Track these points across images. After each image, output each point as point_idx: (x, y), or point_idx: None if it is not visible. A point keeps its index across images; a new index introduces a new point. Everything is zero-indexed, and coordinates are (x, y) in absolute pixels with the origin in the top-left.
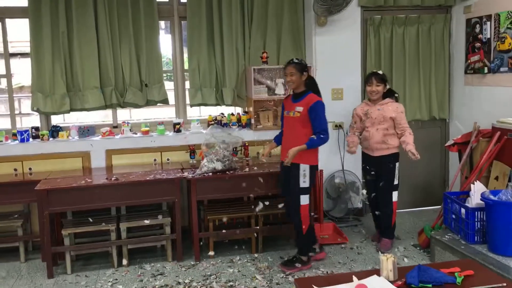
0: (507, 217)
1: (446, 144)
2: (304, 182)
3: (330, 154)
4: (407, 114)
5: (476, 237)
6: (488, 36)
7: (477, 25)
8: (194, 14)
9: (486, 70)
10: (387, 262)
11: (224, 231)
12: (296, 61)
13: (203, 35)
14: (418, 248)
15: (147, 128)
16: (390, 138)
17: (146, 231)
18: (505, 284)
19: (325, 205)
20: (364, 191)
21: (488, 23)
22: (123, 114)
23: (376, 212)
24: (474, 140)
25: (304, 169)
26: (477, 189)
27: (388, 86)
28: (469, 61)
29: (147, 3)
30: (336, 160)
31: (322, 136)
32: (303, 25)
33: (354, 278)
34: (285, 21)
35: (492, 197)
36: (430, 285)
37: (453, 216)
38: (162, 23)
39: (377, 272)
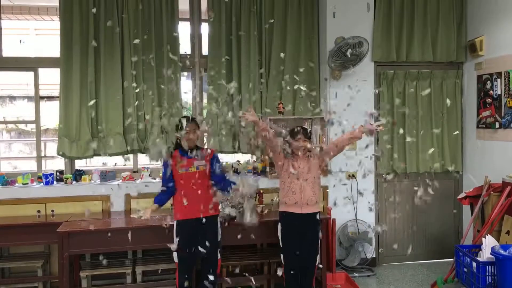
0: None
1: (458, 197)
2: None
3: (343, 204)
4: (420, 166)
5: None
6: (499, 93)
7: (488, 82)
8: (214, 66)
9: (497, 125)
10: None
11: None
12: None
13: (222, 85)
14: None
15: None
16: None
17: (162, 275)
18: None
19: (338, 254)
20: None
21: (499, 80)
22: (143, 158)
23: None
24: (485, 194)
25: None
26: (488, 243)
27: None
28: (480, 116)
29: (171, 55)
30: (349, 210)
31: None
32: (319, 77)
33: None
34: (301, 73)
35: (502, 251)
36: None
37: (465, 270)
38: (184, 73)
39: None
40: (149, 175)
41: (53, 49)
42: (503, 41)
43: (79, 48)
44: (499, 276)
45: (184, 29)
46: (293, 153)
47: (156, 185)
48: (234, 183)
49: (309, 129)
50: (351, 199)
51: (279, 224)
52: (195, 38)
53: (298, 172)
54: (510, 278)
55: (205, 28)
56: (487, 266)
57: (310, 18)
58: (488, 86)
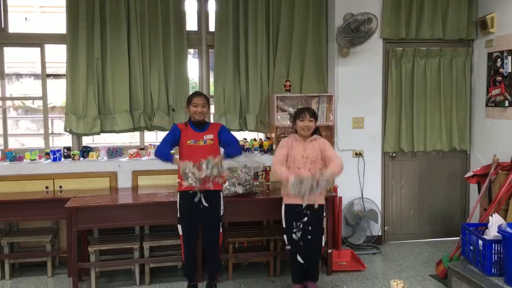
0: None
1: (466, 176)
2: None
3: (350, 182)
4: (428, 145)
5: (493, 269)
6: (509, 70)
7: (498, 59)
8: (221, 43)
9: (506, 103)
10: (397, 287)
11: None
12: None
13: (229, 63)
14: (435, 278)
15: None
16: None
17: (168, 251)
18: None
19: (344, 232)
20: None
21: (510, 57)
22: (150, 136)
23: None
24: (493, 173)
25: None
26: (495, 221)
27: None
28: (490, 94)
29: (178, 32)
30: (356, 188)
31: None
32: (326, 55)
33: None
34: (308, 51)
35: (509, 229)
36: None
37: (471, 248)
38: (190, 50)
39: None
40: None
41: (59, 26)
42: None
43: (85, 25)
44: (506, 254)
45: (191, 6)
46: (298, 133)
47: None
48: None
49: (314, 110)
50: (358, 177)
51: (283, 206)
52: (202, 15)
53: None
54: None
55: (212, 5)
56: (493, 244)
57: None
58: (499, 64)
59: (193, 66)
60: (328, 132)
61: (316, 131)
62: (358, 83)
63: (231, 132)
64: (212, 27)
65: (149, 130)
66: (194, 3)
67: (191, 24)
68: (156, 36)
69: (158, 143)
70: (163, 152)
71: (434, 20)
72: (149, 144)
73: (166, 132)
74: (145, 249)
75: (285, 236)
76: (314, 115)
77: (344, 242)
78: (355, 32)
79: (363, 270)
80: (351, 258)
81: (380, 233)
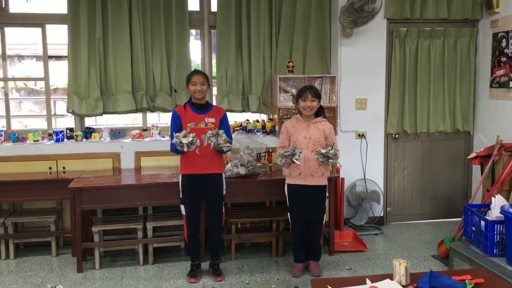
0: None
1: (469, 157)
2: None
3: (352, 163)
4: (431, 126)
5: (495, 250)
6: None
7: (504, 40)
8: (223, 23)
9: (511, 84)
10: (399, 267)
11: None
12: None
13: (232, 43)
14: (437, 259)
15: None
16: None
17: (171, 231)
18: None
19: (346, 213)
20: None
21: None
22: (152, 118)
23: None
24: (496, 154)
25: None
26: (498, 202)
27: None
28: (494, 75)
29: (179, 12)
30: (358, 169)
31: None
32: (329, 35)
33: (368, 280)
34: (311, 31)
35: (510, 210)
36: None
37: (473, 228)
38: (192, 31)
39: (390, 276)
40: (159, 133)
41: (60, 6)
42: None
43: (86, 5)
44: (508, 234)
45: None
46: (300, 113)
47: (164, 143)
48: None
49: (317, 89)
50: (360, 159)
51: (286, 184)
52: None
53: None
54: None
55: None
56: (495, 225)
57: None
58: (504, 44)
59: (195, 47)
60: (331, 114)
61: (321, 111)
62: (361, 64)
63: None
64: (214, 7)
65: (152, 111)
66: None
67: (193, 4)
68: (158, 17)
69: (160, 125)
70: (174, 146)
71: (439, 0)
72: (152, 125)
73: (169, 114)
74: (148, 229)
75: (288, 215)
76: (316, 95)
77: (346, 223)
78: (359, 12)
79: (365, 250)
80: (353, 239)
81: (382, 214)
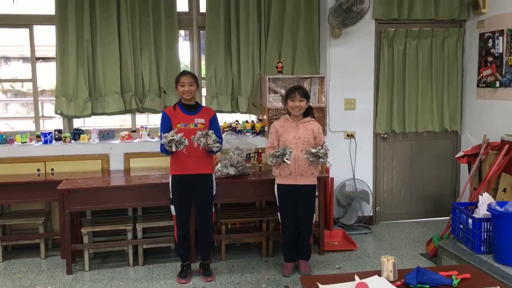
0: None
1: (456, 156)
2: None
3: (341, 163)
4: (419, 126)
5: (482, 247)
6: (500, 51)
7: (490, 40)
8: (213, 24)
9: (497, 84)
10: (387, 263)
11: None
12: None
13: (221, 44)
14: (426, 257)
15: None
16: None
17: (161, 232)
18: (498, 287)
19: (336, 212)
20: None
21: (501, 38)
22: (142, 119)
23: None
24: (483, 152)
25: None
26: (485, 200)
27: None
28: (481, 75)
29: (168, 13)
30: (347, 169)
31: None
32: (318, 36)
33: (356, 277)
34: (300, 32)
35: (498, 208)
36: (427, 286)
37: (461, 226)
38: (181, 31)
39: (378, 272)
40: (148, 134)
41: (48, 7)
42: None
43: (74, 6)
44: (495, 232)
45: None
46: (289, 114)
47: (154, 144)
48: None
49: (305, 89)
50: (349, 158)
51: (276, 185)
52: None
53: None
54: (505, 233)
55: None
56: (483, 223)
57: None
58: (490, 44)
59: (184, 48)
60: (320, 114)
61: (309, 111)
62: (350, 64)
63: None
64: (203, 8)
65: (141, 112)
66: None
67: (182, 5)
68: (147, 18)
69: (149, 126)
70: (163, 147)
71: (427, 0)
72: (141, 127)
73: (158, 115)
74: (138, 230)
75: (278, 214)
76: (305, 95)
77: (336, 223)
78: (347, 13)
79: (355, 249)
80: (343, 238)
81: (371, 214)
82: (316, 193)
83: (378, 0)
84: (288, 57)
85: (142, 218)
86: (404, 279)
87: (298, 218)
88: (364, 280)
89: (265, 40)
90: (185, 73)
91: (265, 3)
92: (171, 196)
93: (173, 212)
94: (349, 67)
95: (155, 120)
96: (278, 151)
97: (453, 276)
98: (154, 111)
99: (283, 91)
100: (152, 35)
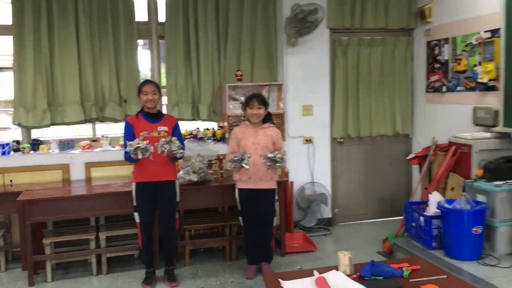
0: (460, 224)
1: (408, 158)
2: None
3: (300, 167)
4: (373, 130)
5: (433, 243)
6: (446, 58)
7: (436, 48)
8: (172, 34)
9: (444, 89)
10: (344, 258)
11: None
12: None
13: (180, 53)
14: (382, 255)
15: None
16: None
17: (125, 240)
18: (445, 276)
19: (296, 215)
20: None
21: (446, 45)
22: (102, 128)
23: None
24: (432, 154)
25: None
26: (435, 199)
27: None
28: (429, 80)
29: (127, 22)
30: (306, 173)
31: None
32: (276, 45)
33: (315, 272)
34: (258, 41)
35: (447, 205)
36: (381, 278)
37: (413, 224)
38: (141, 40)
39: (336, 267)
40: (109, 144)
41: (4, 17)
42: (450, 8)
43: (32, 16)
44: (444, 228)
45: None
46: (249, 121)
47: (115, 153)
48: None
49: (264, 96)
50: (308, 163)
51: (237, 189)
52: (151, 6)
53: (253, 145)
54: (453, 229)
55: None
56: (433, 220)
57: None
58: (436, 51)
59: (144, 57)
60: (279, 120)
61: (268, 117)
62: (306, 72)
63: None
64: (162, 18)
65: (101, 121)
66: None
67: (141, 14)
68: (105, 27)
69: (110, 135)
70: (128, 154)
71: (377, 10)
72: (102, 136)
73: (119, 124)
74: (101, 239)
75: (240, 218)
76: (263, 102)
77: (296, 226)
78: (303, 23)
79: (315, 250)
80: (303, 240)
81: (330, 216)
82: (276, 197)
83: (332, 10)
84: (247, 65)
85: (105, 227)
86: (359, 272)
87: (259, 222)
88: (322, 275)
89: (224, 49)
90: (148, 82)
91: (223, 13)
92: (134, 204)
93: (137, 220)
94: (306, 75)
95: (116, 129)
96: (237, 156)
97: (404, 268)
98: (115, 120)
99: (242, 99)
100: (111, 44)
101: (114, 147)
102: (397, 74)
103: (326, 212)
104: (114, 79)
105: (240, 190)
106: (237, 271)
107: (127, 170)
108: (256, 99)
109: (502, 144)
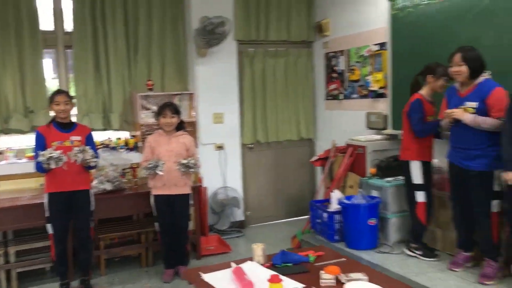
0: (357, 217)
1: (311, 160)
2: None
3: (213, 173)
4: (280, 135)
5: (336, 236)
6: (342, 68)
7: (333, 59)
8: (80, 43)
9: (341, 96)
10: (257, 249)
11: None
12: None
13: (89, 63)
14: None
15: (33, 154)
16: None
17: (36, 254)
18: (345, 259)
19: (211, 219)
20: None
21: (342, 57)
22: (7, 141)
23: None
24: (332, 156)
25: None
26: (336, 196)
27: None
28: (328, 89)
29: (32, 32)
30: (219, 178)
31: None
32: (186, 55)
33: (232, 263)
34: (168, 51)
35: (346, 201)
36: (290, 264)
37: (318, 221)
38: (48, 49)
39: (251, 259)
40: (15, 156)
41: None
42: (345, 23)
43: None
44: (344, 221)
45: (45, 4)
46: (162, 129)
47: (22, 166)
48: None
49: (176, 105)
50: (220, 169)
51: (152, 196)
52: (57, 14)
53: (167, 152)
54: (352, 222)
55: (67, 4)
56: (335, 215)
57: None
58: (334, 62)
59: (51, 66)
60: (191, 128)
61: (181, 125)
62: (216, 81)
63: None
64: (68, 27)
65: (6, 133)
66: (48, 1)
67: (47, 23)
68: (8, 36)
69: (16, 147)
70: (40, 165)
71: (280, 23)
72: (6, 148)
73: (25, 136)
74: (11, 254)
75: (156, 224)
76: (176, 111)
77: (212, 229)
78: (211, 34)
79: (229, 251)
80: (218, 243)
81: (243, 218)
82: (191, 202)
83: (238, 23)
84: (158, 74)
85: (14, 241)
86: (271, 261)
87: (175, 227)
88: (239, 265)
89: (135, 58)
90: (59, 92)
91: (132, 22)
92: (47, 215)
93: (50, 231)
94: (216, 84)
95: (22, 141)
96: (151, 164)
97: (309, 255)
98: (21, 132)
99: (155, 108)
100: (15, 54)
101: (20, 159)
102: (300, 83)
103: (239, 215)
104: (19, 90)
105: (156, 196)
106: (155, 276)
107: (35, 182)
108: (169, 108)
109: (391, 145)
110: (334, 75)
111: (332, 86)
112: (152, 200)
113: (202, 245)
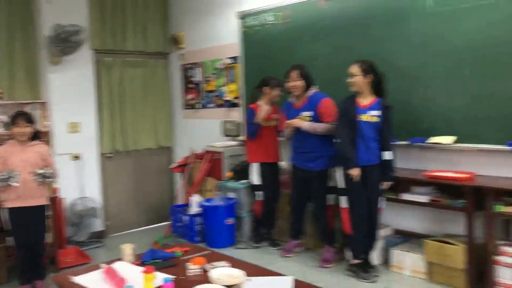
0: (216, 218)
1: (171, 167)
2: None
3: (70, 183)
4: (139, 144)
5: (197, 238)
6: (199, 79)
7: (190, 70)
8: None
9: (198, 106)
10: (126, 248)
11: None
12: None
13: None
14: None
15: None
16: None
17: None
18: (209, 251)
19: (69, 231)
20: None
21: (198, 69)
22: None
23: None
24: (191, 162)
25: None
26: (195, 200)
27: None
28: (186, 98)
29: None
30: (76, 189)
31: None
32: (37, 63)
33: (102, 265)
34: (18, 59)
35: (206, 203)
36: (160, 260)
37: (179, 224)
38: None
39: (120, 259)
40: None
41: None
42: (200, 37)
43: None
44: (205, 223)
45: None
46: (15, 139)
47: None
48: None
49: (30, 114)
50: (77, 179)
51: (5, 209)
52: None
53: (22, 162)
54: (211, 222)
55: None
56: (195, 218)
57: (25, 1)
58: (190, 73)
59: None
60: (45, 138)
61: (37, 135)
62: (72, 90)
63: None
64: None
65: None
66: None
67: None
68: None
69: None
70: None
71: (137, 34)
72: None
73: None
74: None
75: (9, 239)
76: (29, 120)
77: (70, 241)
78: (66, 42)
79: (89, 262)
80: (76, 254)
81: (103, 228)
82: (48, 213)
83: (94, 32)
84: (6, 83)
85: None
86: (141, 259)
87: (31, 240)
88: (110, 265)
89: None
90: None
91: None
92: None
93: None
94: (72, 92)
95: None
96: (4, 175)
97: (176, 251)
98: None
99: (4, 117)
100: None
101: None
102: (158, 93)
103: (98, 225)
104: None
105: (10, 209)
106: None
107: None
108: (22, 117)
109: (244, 150)
110: (191, 85)
111: (190, 96)
112: (5, 213)
113: (60, 258)
